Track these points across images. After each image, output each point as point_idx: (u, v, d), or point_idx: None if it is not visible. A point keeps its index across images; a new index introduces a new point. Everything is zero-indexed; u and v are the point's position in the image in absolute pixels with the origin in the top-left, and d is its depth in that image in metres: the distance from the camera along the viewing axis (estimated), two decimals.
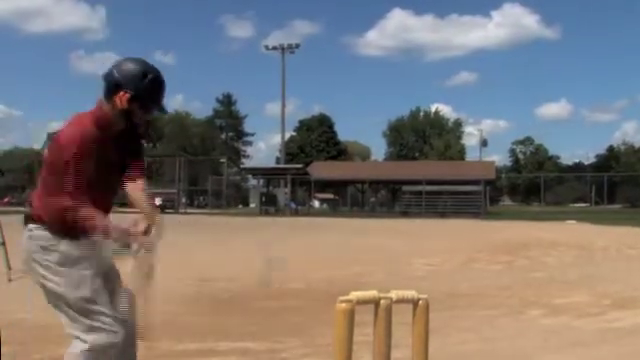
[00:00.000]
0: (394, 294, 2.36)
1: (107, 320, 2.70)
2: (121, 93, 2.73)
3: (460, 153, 73.32)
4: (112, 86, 2.75)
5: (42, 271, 2.75)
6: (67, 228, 2.70)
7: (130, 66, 2.78)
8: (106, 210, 2.81)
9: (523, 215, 35.68)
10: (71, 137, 2.67)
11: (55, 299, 2.75)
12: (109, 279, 2.85)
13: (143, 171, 2.95)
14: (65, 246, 2.74)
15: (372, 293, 2.32)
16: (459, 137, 80.00)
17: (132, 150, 2.89)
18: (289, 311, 6.33)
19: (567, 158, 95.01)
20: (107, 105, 2.77)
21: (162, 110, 2.92)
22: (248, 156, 78.69)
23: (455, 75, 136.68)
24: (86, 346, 2.66)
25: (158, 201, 40.34)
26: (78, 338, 2.68)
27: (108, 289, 2.80)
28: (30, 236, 2.78)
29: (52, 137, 2.91)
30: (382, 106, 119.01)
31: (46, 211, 2.74)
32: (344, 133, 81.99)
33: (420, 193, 39.32)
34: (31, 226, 2.79)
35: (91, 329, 2.68)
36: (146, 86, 2.76)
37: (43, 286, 2.77)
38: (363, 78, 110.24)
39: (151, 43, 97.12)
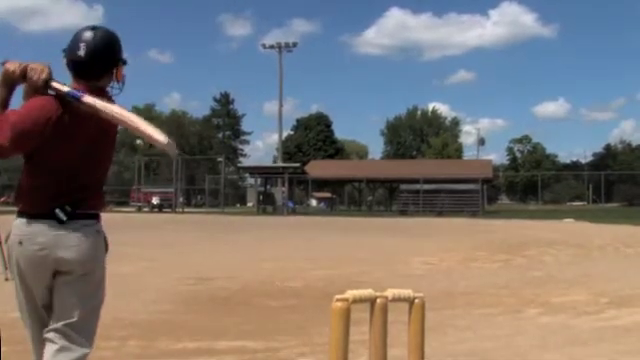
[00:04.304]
0: (390, 293, 2.35)
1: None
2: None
3: (457, 152, 73.31)
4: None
5: (102, 273, 2.60)
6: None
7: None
8: None
9: (521, 214, 35.74)
10: None
11: (96, 303, 2.60)
12: None
13: None
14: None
15: (368, 292, 2.31)
16: (456, 136, 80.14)
17: None
18: (287, 310, 6.33)
19: (564, 157, 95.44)
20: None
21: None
22: (245, 155, 78.83)
23: (453, 74, 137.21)
24: (88, 351, 2.54)
25: (156, 200, 40.44)
26: (80, 343, 2.51)
27: None
28: (98, 231, 2.58)
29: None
30: (380, 105, 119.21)
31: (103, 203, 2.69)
32: (341, 132, 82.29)
33: (418, 192, 39.31)
34: (92, 221, 2.56)
35: (94, 335, 2.61)
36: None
37: (96, 289, 2.59)
38: (361, 77, 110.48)
39: (149, 42, 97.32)
